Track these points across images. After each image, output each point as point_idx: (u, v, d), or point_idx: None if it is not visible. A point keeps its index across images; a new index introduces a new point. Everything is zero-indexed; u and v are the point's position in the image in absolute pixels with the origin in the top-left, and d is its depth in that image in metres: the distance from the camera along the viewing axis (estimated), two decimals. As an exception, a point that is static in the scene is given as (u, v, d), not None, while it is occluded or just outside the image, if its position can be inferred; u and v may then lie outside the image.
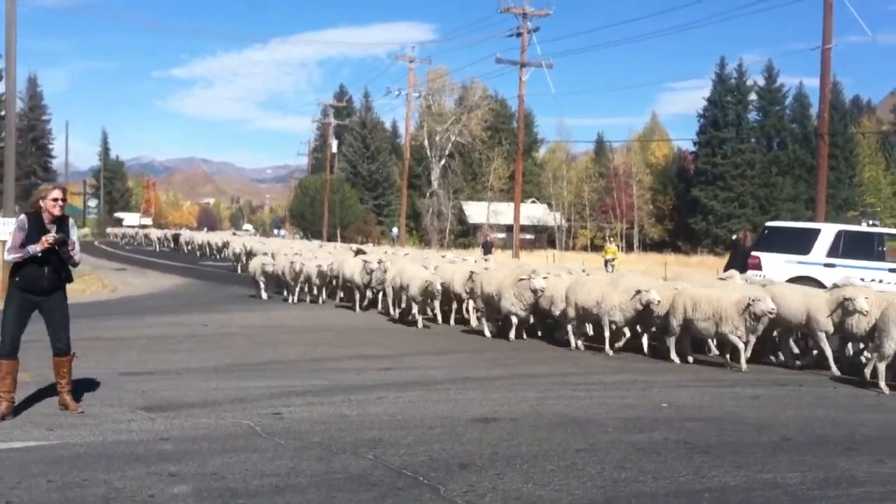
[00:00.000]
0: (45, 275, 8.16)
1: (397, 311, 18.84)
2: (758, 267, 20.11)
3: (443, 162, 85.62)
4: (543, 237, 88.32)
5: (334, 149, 78.85)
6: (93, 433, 7.60)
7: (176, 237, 64.46)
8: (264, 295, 23.38)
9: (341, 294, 22.52)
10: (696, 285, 14.81)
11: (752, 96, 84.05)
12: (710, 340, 14.15)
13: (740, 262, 21.43)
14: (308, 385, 10.46)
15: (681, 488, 6.28)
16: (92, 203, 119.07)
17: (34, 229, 8.12)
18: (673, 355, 13.53)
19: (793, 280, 17.84)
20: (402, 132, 71.89)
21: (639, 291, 13.66)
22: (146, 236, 75.21)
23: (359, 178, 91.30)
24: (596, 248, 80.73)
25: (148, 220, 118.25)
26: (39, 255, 8.03)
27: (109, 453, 6.89)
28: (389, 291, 19.02)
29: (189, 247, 58.05)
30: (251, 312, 20.05)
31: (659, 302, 13.49)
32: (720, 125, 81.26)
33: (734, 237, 26.04)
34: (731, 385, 11.43)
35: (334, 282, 22.53)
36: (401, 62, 58.42)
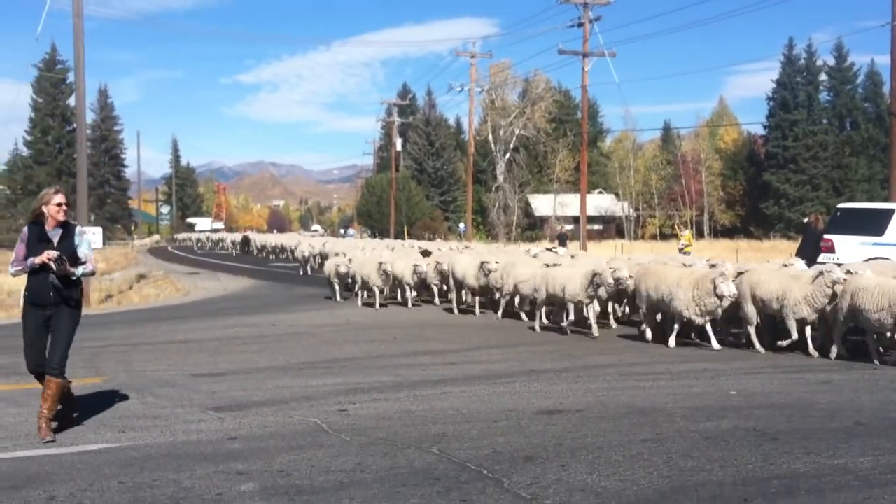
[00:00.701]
0: (49, 286, 7.67)
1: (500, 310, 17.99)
2: (831, 250, 19.70)
3: (507, 156, 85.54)
4: (612, 227, 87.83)
5: (399, 147, 79.33)
6: (163, 434, 7.75)
7: (246, 240, 63.67)
8: (339, 297, 22.55)
9: (450, 295, 20.00)
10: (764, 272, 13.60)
11: (823, 77, 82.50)
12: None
13: (813, 245, 21.02)
14: (374, 382, 10.54)
15: (749, 476, 6.18)
16: (165, 209, 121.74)
17: (34, 238, 7.77)
18: (836, 349, 12.10)
19: (868, 262, 17.40)
20: (466, 128, 71.91)
21: (821, 273, 12.14)
22: (221, 240, 74.26)
23: (424, 174, 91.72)
24: (665, 236, 79.95)
25: (220, 224, 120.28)
26: (38, 266, 7.64)
27: (179, 453, 7.02)
28: (509, 290, 17.40)
29: (263, 251, 56.40)
30: (318, 312, 20.24)
31: (846, 280, 12.01)
32: (790, 107, 79.86)
33: (806, 220, 25.52)
34: (802, 371, 11.21)
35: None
36: (462, 58, 58.51)
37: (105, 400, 9.38)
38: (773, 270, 13.89)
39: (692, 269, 14.35)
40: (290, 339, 15.13)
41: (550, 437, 7.41)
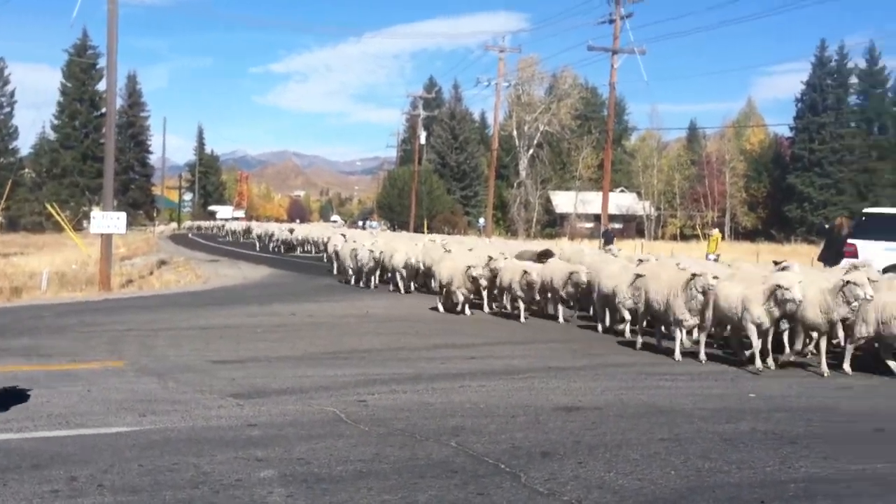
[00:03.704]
0: None
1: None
2: (854, 255, 19.55)
3: (531, 152, 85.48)
4: (632, 226, 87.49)
5: (423, 140, 79.13)
6: (184, 419, 7.81)
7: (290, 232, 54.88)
8: (403, 290, 22.77)
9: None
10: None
11: (853, 79, 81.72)
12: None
13: (835, 250, 20.89)
14: (393, 373, 10.57)
15: (766, 478, 6.17)
16: (187, 196, 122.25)
17: None
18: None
19: (890, 269, 17.27)
20: (491, 122, 71.78)
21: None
22: (246, 230, 66.40)
23: (447, 168, 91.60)
24: (685, 237, 79.55)
25: (240, 213, 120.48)
26: None
27: (199, 438, 7.08)
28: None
29: (303, 246, 46.84)
30: (338, 302, 20.27)
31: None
32: (819, 109, 79.31)
33: (826, 225, 25.16)
34: (822, 376, 11.13)
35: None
36: (491, 52, 58.23)
37: (126, 383, 9.47)
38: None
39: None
40: (311, 329, 15.17)
41: (568, 434, 7.42)
